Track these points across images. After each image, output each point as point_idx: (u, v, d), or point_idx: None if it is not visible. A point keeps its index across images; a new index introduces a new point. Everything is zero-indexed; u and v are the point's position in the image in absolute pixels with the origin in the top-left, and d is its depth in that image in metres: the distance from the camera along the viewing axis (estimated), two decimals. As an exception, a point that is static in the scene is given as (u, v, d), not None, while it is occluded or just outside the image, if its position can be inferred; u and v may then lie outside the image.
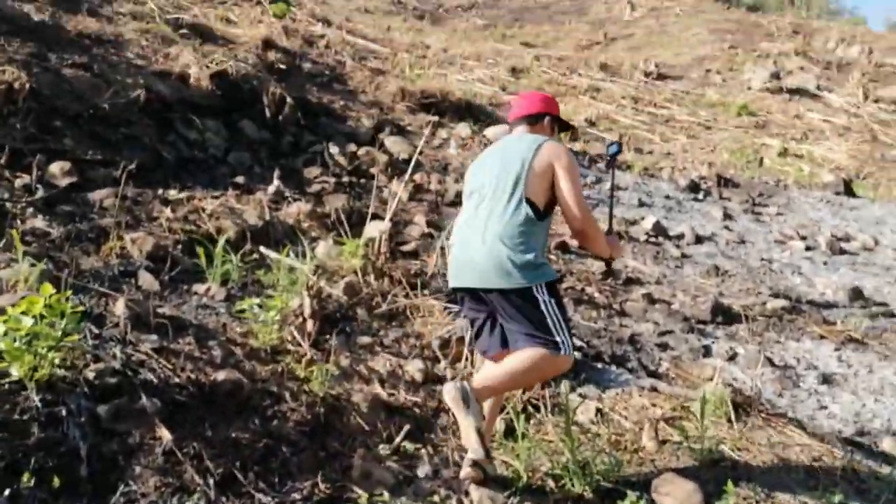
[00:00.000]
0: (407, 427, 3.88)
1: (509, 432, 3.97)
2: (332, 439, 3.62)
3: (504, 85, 18.96)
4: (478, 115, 11.69)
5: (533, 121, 3.71)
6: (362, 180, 8.18)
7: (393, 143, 9.46)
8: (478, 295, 3.42)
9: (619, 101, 19.49)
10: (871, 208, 11.26)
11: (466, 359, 4.63)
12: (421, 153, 9.36)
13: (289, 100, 9.13)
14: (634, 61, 23.64)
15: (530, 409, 4.31)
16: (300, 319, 4.48)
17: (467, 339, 4.59)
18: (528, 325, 3.26)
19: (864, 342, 6.26)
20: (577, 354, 5.15)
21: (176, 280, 4.89)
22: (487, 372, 3.44)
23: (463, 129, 10.60)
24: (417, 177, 8.70)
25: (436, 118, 10.87)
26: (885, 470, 4.19)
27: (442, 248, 6.29)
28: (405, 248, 6.61)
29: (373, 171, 8.50)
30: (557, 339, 3.26)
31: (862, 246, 9.24)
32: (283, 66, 10.56)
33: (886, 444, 4.57)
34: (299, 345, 4.29)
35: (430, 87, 11.57)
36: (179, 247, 5.27)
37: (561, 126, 3.88)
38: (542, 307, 3.27)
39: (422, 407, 4.15)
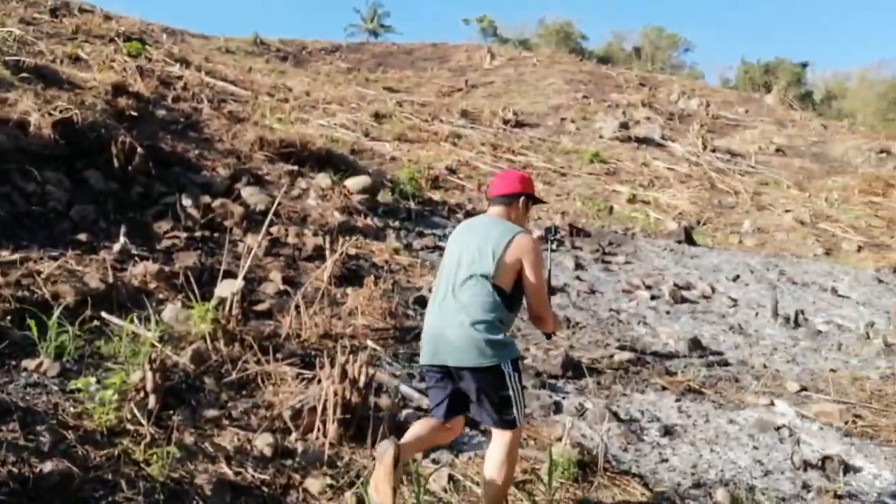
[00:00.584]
0: (254, 508, 3.75)
1: (360, 506, 3.90)
2: (172, 529, 3.44)
3: (367, 130, 19.10)
4: (338, 164, 11.69)
5: (509, 201, 3.96)
6: (216, 234, 7.97)
7: (250, 193, 9.27)
8: (448, 371, 3.71)
9: (478, 148, 20.00)
10: (709, 256, 12.05)
11: (318, 430, 4.54)
12: (279, 204, 9.25)
13: (139, 149, 8.79)
14: (494, 108, 24.39)
15: (383, 479, 4.26)
16: (141, 395, 4.27)
17: (319, 409, 4.53)
18: (498, 406, 3.64)
19: (702, 391, 6.64)
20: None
21: (2, 355, 4.54)
22: (488, 481, 3.76)
23: (323, 179, 10.56)
24: (274, 230, 8.56)
25: (295, 168, 10.76)
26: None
27: (297, 308, 6.21)
28: (259, 307, 6.46)
29: (227, 223, 8.30)
30: (514, 414, 3.65)
31: (701, 294, 9.86)
32: (134, 113, 10.20)
33: (719, 495, 4.82)
34: (140, 423, 4.07)
35: (289, 136, 11.46)
36: (8, 318, 4.91)
37: (534, 201, 4.15)
38: (507, 381, 3.62)
39: (270, 484, 4.02)
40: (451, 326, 3.62)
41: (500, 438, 3.70)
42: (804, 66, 47.56)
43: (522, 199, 4.00)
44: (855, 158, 24.81)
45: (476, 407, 3.74)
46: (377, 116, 21.04)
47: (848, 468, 5.47)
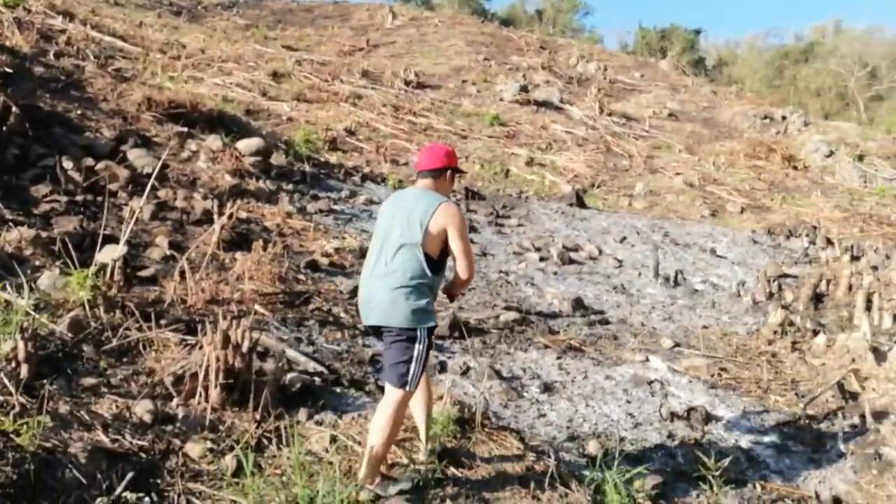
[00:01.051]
0: (130, 475, 3.75)
1: (239, 470, 3.96)
2: (43, 498, 3.42)
3: (265, 90, 18.67)
4: (231, 125, 11.44)
5: (436, 174, 4.24)
6: (99, 198, 7.71)
7: (137, 156, 9.01)
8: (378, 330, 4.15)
9: (379, 109, 19.84)
10: (599, 218, 12.47)
11: (200, 395, 4.56)
12: (168, 167, 9.04)
13: (14, 108, 8.39)
14: (395, 69, 24.17)
15: (265, 442, 4.34)
16: (13, 365, 4.18)
17: (201, 375, 4.54)
18: (397, 364, 3.95)
19: (583, 349, 6.96)
20: (317, 380, 5.28)
21: None
22: (371, 435, 4.00)
23: (214, 141, 10.33)
24: (162, 193, 8.37)
25: (185, 129, 10.49)
26: (592, 472, 4.69)
27: (182, 273, 6.14)
28: (143, 273, 6.35)
29: (112, 187, 8.04)
30: (409, 378, 3.94)
31: (588, 255, 10.23)
32: (9, 70, 9.68)
33: (591, 447, 5.12)
34: (10, 394, 4.00)
35: (179, 97, 11.12)
36: None
37: (458, 173, 4.45)
38: (416, 345, 3.95)
39: (149, 450, 4.03)
40: (381, 289, 3.96)
41: (390, 396, 4.01)
42: (698, 32, 49.07)
43: (448, 172, 4.28)
44: (741, 124, 25.85)
45: (384, 360, 4.14)
46: (275, 75, 20.57)
47: (710, 418, 5.89)
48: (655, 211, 14.89)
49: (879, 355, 6.90)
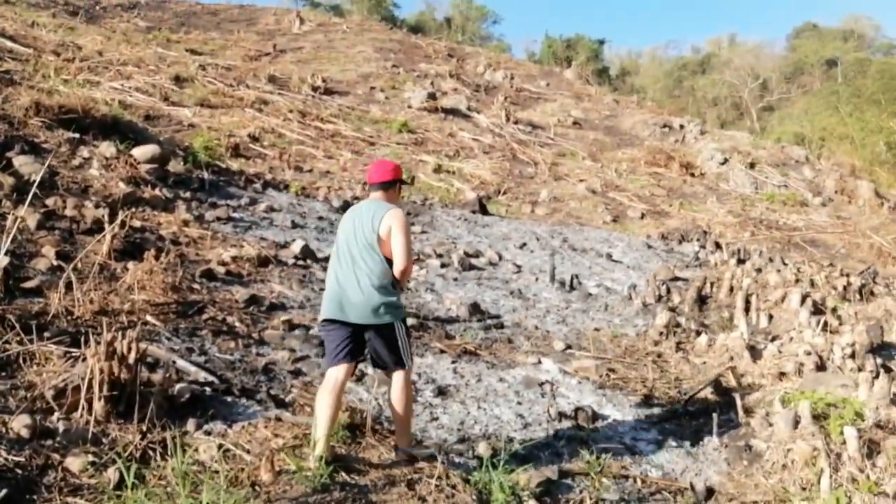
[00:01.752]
0: (4, 491, 3.67)
1: (121, 482, 3.92)
2: None
3: (167, 94, 18.25)
4: (126, 131, 11.14)
5: (386, 187, 4.87)
6: (-19, 207, 7.43)
7: (23, 162, 8.70)
8: (348, 325, 4.61)
9: (286, 115, 19.69)
10: (500, 225, 12.73)
11: (83, 408, 4.48)
12: (57, 174, 8.78)
13: None
14: (302, 75, 24.00)
15: (150, 453, 4.30)
16: None
17: (84, 387, 4.47)
18: (391, 353, 4.67)
19: (478, 353, 7.12)
20: (207, 390, 5.25)
21: None
22: (394, 409, 4.78)
23: (108, 147, 10.06)
24: (51, 202, 8.12)
25: (77, 135, 10.18)
26: (479, 473, 4.82)
27: (69, 284, 5.99)
28: (28, 284, 6.16)
29: (-4, 195, 7.76)
30: (404, 358, 4.71)
31: (488, 261, 10.45)
32: None
33: (481, 448, 5.26)
34: None
35: (70, 102, 10.77)
36: None
37: (404, 183, 5.12)
38: (397, 334, 4.67)
39: (26, 466, 3.94)
40: (354, 290, 4.56)
41: (397, 376, 4.74)
42: (602, 43, 50.53)
43: (397, 184, 4.95)
44: (642, 132, 26.77)
45: (375, 353, 4.74)
46: (178, 80, 20.13)
47: (596, 416, 6.13)
48: (557, 217, 15.29)
49: (755, 353, 7.33)
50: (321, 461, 4.37)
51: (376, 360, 4.80)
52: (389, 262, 4.59)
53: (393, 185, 4.88)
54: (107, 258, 7.06)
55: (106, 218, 7.60)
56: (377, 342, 4.67)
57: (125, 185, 9.32)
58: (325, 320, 4.72)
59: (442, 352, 7.01)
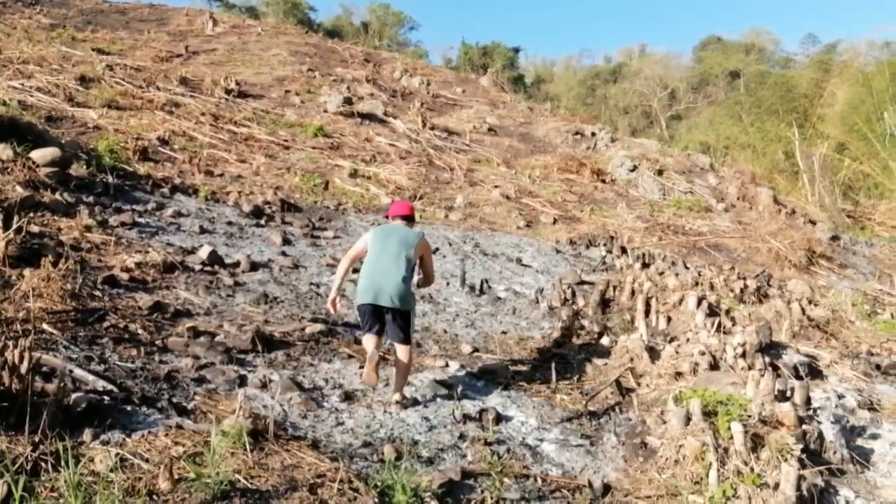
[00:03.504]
0: None
1: (9, 496, 3.81)
2: None
3: (71, 95, 17.66)
4: (25, 134, 10.72)
5: (408, 220, 6.84)
6: None
7: (-89, 165, 8.31)
8: (380, 309, 6.29)
9: (198, 118, 19.31)
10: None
11: (-30, 420, 4.33)
12: (-52, 178, 8.42)
13: None
14: (216, 77, 23.57)
15: (42, 465, 4.20)
16: None
17: None
18: (402, 332, 6.34)
19: (386, 358, 7.17)
20: (106, 399, 5.14)
21: None
22: (398, 368, 6.43)
23: (4, 150, 9.68)
24: (-60, 207, 7.78)
25: (-30, 137, 9.77)
26: (382, 475, 4.89)
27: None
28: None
29: None
30: (410, 335, 6.46)
31: (400, 266, 10.49)
32: None
33: (386, 451, 5.32)
34: None
35: (-37, 102, 10.32)
36: None
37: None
38: (411, 318, 6.47)
39: None
40: (389, 283, 6.23)
41: (402, 348, 6.34)
42: (517, 50, 51.34)
43: (412, 219, 6.91)
44: (555, 139, 27.30)
45: (390, 329, 6.35)
46: (83, 80, 19.50)
47: (501, 418, 6.29)
48: (471, 222, 15.47)
49: (654, 354, 7.62)
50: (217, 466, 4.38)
51: (390, 333, 6.39)
52: (413, 268, 6.49)
53: (411, 219, 6.90)
54: (1, 265, 6.82)
55: (0, 223, 7.33)
56: (395, 322, 6.32)
57: (22, 188, 9.00)
58: (360, 305, 6.41)
59: (350, 357, 7.04)
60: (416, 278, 6.60)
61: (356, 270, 7.02)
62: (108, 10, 31.98)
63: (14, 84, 16.35)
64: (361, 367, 6.85)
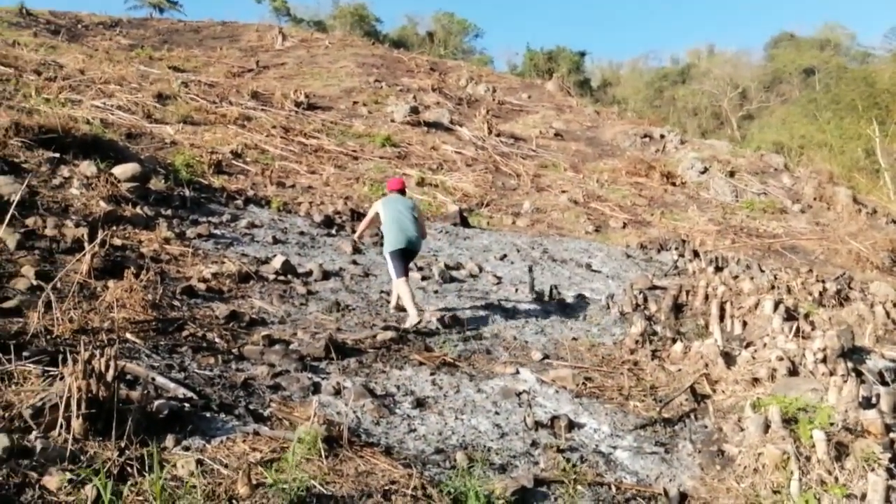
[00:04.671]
0: (-18, 511, 3.72)
1: (98, 499, 3.97)
2: None
3: (149, 112, 18.31)
4: (108, 151, 11.19)
5: (402, 192, 8.93)
6: (-40, 229, 7.45)
7: (2, 183, 8.75)
8: (408, 251, 8.43)
9: (269, 131, 19.77)
10: (481, 237, 12.83)
11: (61, 426, 4.53)
12: (37, 194, 8.83)
13: None
14: (286, 90, 24.10)
15: (128, 470, 4.35)
16: None
17: (62, 406, 4.52)
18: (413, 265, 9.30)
19: (457, 364, 7.21)
20: (186, 406, 5.30)
21: None
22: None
23: (88, 166, 10.11)
24: (31, 221, 8.17)
25: (57, 155, 10.23)
26: (455, 482, 4.90)
27: (48, 303, 6.04)
28: (6, 304, 6.20)
29: (-26, 216, 7.78)
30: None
31: (469, 273, 10.54)
32: None
33: (458, 458, 5.34)
34: None
35: (50, 121, 10.82)
36: None
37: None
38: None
39: (3, 486, 3.98)
40: (414, 234, 8.46)
41: (408, 276, 8.55)
42: (583, 54, 50.98)
43: (404, 191, 9.07)
44: (623, 142, 27.01)
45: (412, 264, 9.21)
46: (160, 97, 20.22)
47: (573, 425, 6.23)
48: (538, 228, 15.43)
49: (729, 359, 7.44)
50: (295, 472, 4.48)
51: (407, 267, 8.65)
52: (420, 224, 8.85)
53: (404, 191, 9.04)
54: (87, 277, 7.11)
55: (86, 237, 7.66)
56: (412, 260, 8.95)
57: (106, 203, 9.37)
58: (396, 250, 8.33)
59: (421, 364, 7.08)
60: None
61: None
62: (182, 29, 33.05)
63: (97, 103, 17.04)
64: (433, 373, 6.90)
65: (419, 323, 7.97)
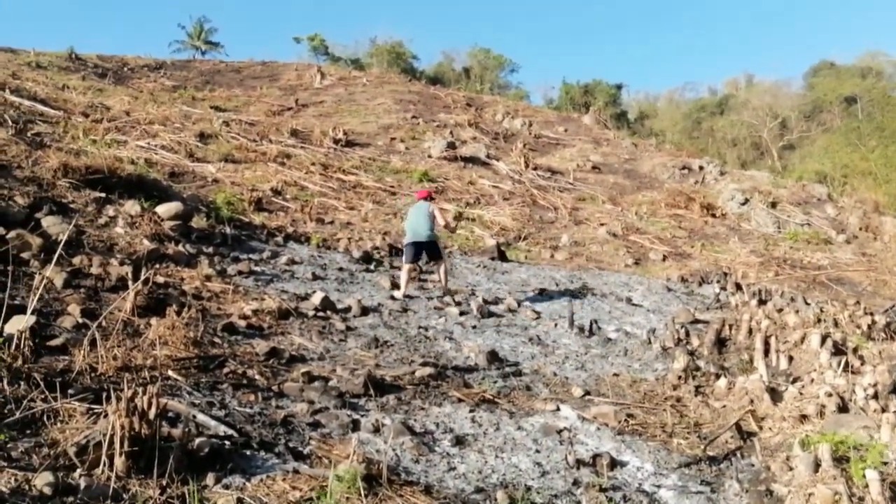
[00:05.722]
0: (27, 549, 3.75)
1: (140, 538, 3.98)
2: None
3: (191, 151, 18.70)
4: (150, 189, 11.44)
5: (430, 199, 11.39)
6: (10, 268, 7.64)
7: (51, 223, 8.97)
8: (420, 244, 10.84)
9: (308, 168, 20.04)
10: (519, 271, 12.79)
11: (105, 464, 4.57)
12: (83, 233, 9.03)
13: (-77, 179, 8.30)
14: (324, 128, 24.46)
15: (172, 507, 4.37)
16: None
17: (105, 444, 4.57)
18: (437, 253, 11.13)
19: (496, 401, 7.14)
20: (227, 444, 5.32)
21: None
22: (442, 274, 11.32)
23: (132, 206, 10.33)
24: (77, 260, 8.34)
25: (103, 195, 10.47)
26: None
27: (93, 341, 6.14)
28: (54, 342, 6.32)
29: (24, 255, 8.00)
30: (442, 254, 11.55)
31: (507, 308, 10.49)
32: (-82, 139, 9.58)
33: (499, 497, 5.26)
34: None
35: (97, 162, 11.11)
36: None
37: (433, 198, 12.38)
38: (438, 245, 11.29)
39: (49, 524, 4.03)
40: (422, 230, 10.81)
41: (438, 264, 11.18)
42: (619, 87, 50.94)
43: (431, 198, 11.55)
44: (661, 174, 26.83)
45: (427, 254, 10.97)
46: (202, 136, 20.67)
47: (615, 463, 6.11)
48: (577, 262, 15.33)
49: (776, 395, 7.27)
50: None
51: (429, 256, 11.02)
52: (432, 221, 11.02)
53: (431, 199, 11.44)
54: (130, 315, 7.22)
55: (130, 275, 7.80)
56: (429, 250, 10.94)
57: (149, 242, 9.55)
58: (408, 243, 10.89)
59: (460, 400, 7.04)
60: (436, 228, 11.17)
61: None
62: (224, 69, 33.82)
63: (141, 144, 17.46)
64: (472, 410, 6.85)
65: (396, 300, 10.30)
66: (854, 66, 58.62)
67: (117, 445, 4.60)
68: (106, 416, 4.81)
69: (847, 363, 7.87)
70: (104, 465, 4.60)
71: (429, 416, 6.65)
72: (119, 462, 4.59)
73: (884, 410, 6.74)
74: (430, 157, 24.10)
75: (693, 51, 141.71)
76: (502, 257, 13.89)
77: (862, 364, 8.08)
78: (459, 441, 6.21)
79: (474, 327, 9.53)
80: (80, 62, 30.20)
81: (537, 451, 6.21)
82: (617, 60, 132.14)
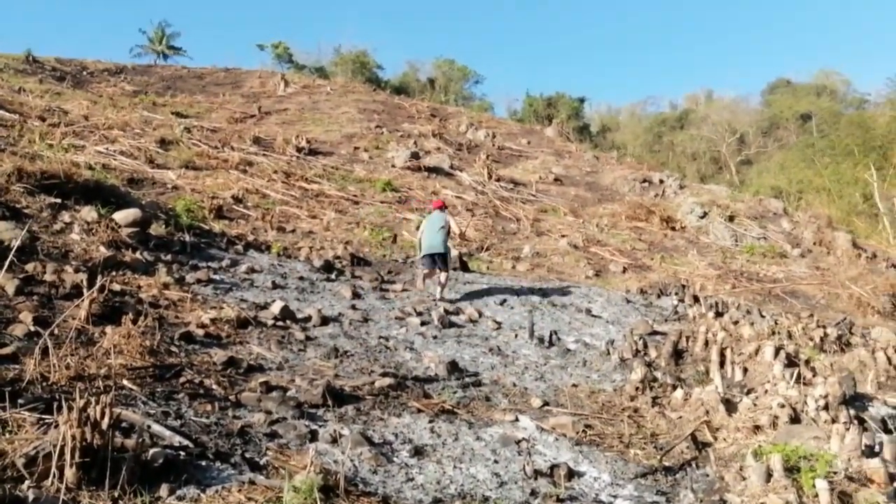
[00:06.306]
0: (-29, 563, 3.66)
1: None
2: None
3: (152, 157, 18.46)
4: (109, 196, 11.25)
5: (443, 209, 12.51)
6: (-41, 274, 7.46)
7: (3, 228, 8.80)
8: (431, 255, 11.77)
9: (270, 176, 19.89)
10: (481, 281, 12.82)
11: (54, 476, 4.48)
12: (37, 239, 8.85)
13: None
14: (287, 136, 24.31)
15: (122, 521, 4.29)
16: None
17: (55, 455, 4.47)
18: (444, 264, 11.80)
19: (455, 412, 7.15)
20: (182, 454, 5.25)
21: None
22: (442, 282, 11.92)
23: (89, 212, 10.15)
24: (30, 267, 8.18)
25: (59, 200, 10.28)
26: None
27: (45, 349, 6.02)
28: (3, 350, 6.19)
29: (-26, 262, 7.80)
30: (448, 266, 12.09)
31: (468, 318, 10.51)
32: None
33: (456, 508, 5.27)
34: None
35: (52, 167, 10.90)
36: None
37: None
38: (448, 256, 12.14)
39: (-6, 536, 3.93)
40: (435, 242, 11.76)
41: (443, 272, 11.77)
42: (582, 101, 51.48)
43: (445, 207, 12.67)
44: (622, 187, 27.13)
45: (438, 264, 11.70)
46: (163, 143, 20.40)
47: (573, 473, 6.15)
48: (538, 273, 15.42)
49: (730, 406, 7.39)
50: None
51: (439, 266, 11.61)
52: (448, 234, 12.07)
53: (445, 209, 12.48)
54: (85, 323, 7.10)
55: (85, 282, 7.67)
56: (440, 260, 11.61)
57: (106, 249, 9.40)
58: (422, 256, 11.80)
59: (419, 411, 7.02)
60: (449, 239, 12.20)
61: None
62: (186, 75, 33.47)
63: (100, 149, 17.19)
64: (431, 421, 6.84)
65: (420, 290, 11.91)
66: (810, 85, 60.08)
67: (68, 456, 4.51)
68: (57, 426, 4.72)
69: (800, 375, 8.03)
70: (54, 476, 4.51)
71: (388, 426, 6.62)
72: (69, 473, 4.50)
73: (834, 421, 6.89)
74: (393, 166, 24.08)
75: (655, 66, 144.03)
76: (464, 268, 13.92)
77: (814, 376, 8.26)
78: (418, 451, 6.20)
79: (435, 337, 9.53)
80: (38, 65, 29.67)
81: (496, 462, 6.22)
82: (580, 74, 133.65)
